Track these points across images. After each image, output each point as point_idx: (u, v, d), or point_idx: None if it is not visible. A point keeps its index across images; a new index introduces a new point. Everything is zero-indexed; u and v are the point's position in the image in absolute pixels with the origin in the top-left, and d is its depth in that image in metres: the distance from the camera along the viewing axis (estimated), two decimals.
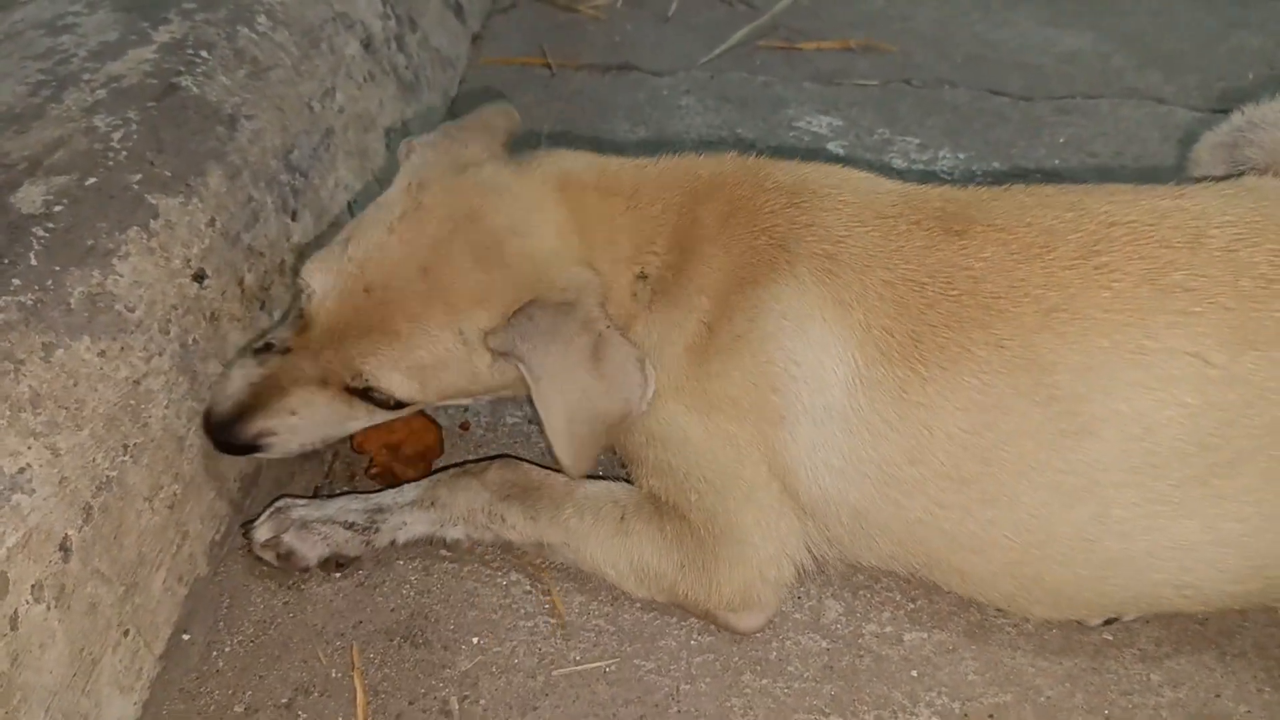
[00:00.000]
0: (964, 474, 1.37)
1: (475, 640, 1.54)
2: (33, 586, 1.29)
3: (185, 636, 1.54)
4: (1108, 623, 1.53)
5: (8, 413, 1.32)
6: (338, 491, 1.74)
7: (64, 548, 1.34)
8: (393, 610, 1.58)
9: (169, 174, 1.68)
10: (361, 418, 1.52)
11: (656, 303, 1.50)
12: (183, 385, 1.59)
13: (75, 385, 1.41)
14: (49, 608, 1.31)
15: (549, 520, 1.55)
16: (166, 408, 1.55)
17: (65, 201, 1.55)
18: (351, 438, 1.72)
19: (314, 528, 1.60)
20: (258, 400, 1.45)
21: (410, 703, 1.46)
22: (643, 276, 1.50)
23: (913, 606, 1.58)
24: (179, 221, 1.65)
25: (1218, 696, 1.46)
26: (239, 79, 1.95)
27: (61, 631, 1.32)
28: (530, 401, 1.42)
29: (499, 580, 1.62)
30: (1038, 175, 2.51)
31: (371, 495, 1.64)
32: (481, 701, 1.46)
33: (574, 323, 1.39)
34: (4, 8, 2.06)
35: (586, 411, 1.41)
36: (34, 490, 1.31)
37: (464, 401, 1.63)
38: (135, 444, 1.48)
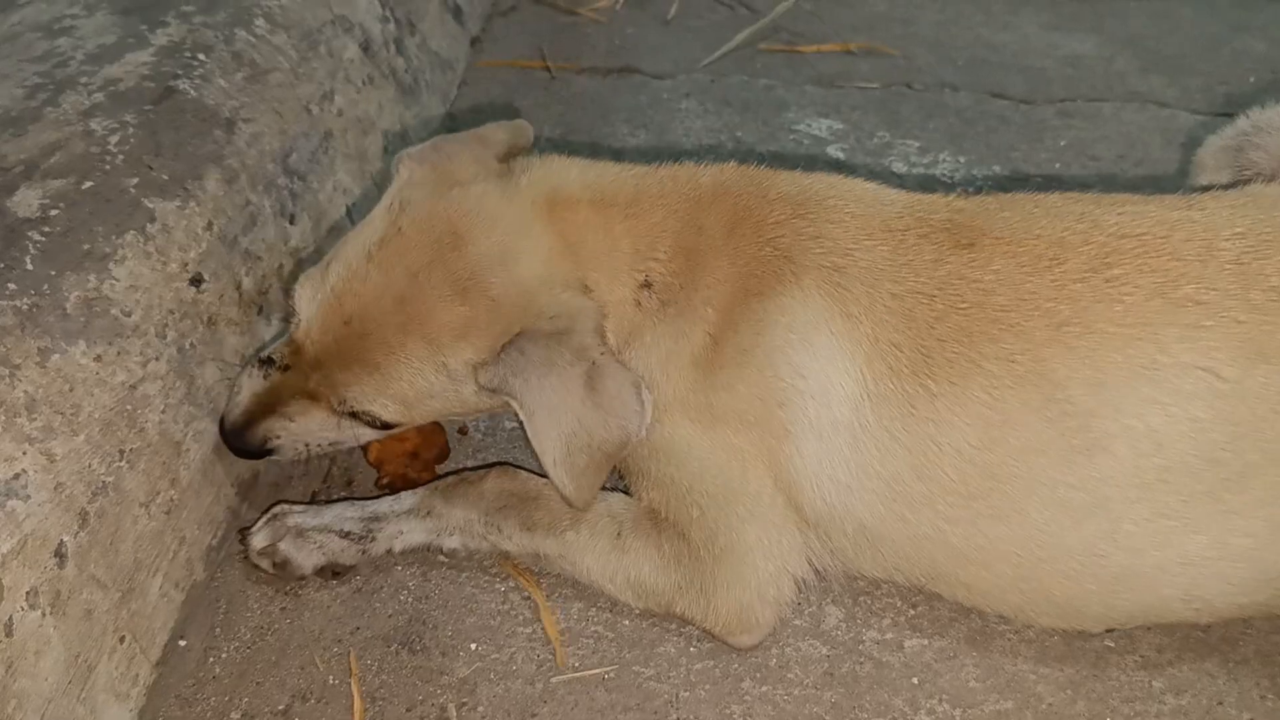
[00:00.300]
0: (972, 489, 1.35)
1: (473, 646, 1.53)
2: (28, 593, 1.28)
3: (182, 642, 1.53)
4: (1109, 630, 1.52)
5: (3, 418, 1.32)
6: (335, 497, 1.73)
7: (59, 554, 1.34)
8: (390, 616, 1.57)
9: (166, 177, 1.67)
10: (361, 431, 1.52)
11: (663, 312, 1.48)
12: (180, 390, 1.58)
13: (71, 390, 1.41)
14: (44, 614, 1.30)
15: (545, 533, 1.54)
16: (163, 412, 1.54)
17: (62, 205, 1.54)
18: (365, 451, 1.72)
19: (310, 536, 1.59)
20: (262, 409, 1.49)
21: (408, 709, 1.45)
22: (647, 285, 1.48)
23: (914, 613, 1.57)
24: (176, 225, 1.64)
25: (1220, 704, 1.45)
26: (237, 82, 1.94)
27: (57, 638, 1.31)
28: (523, 427, 1.40)
29: (498, 586, 1.61)
30: (1039, 179, 2.50)
31: (368, 502, 1.63)
32: (480, 708, 1.45)
33: (567, 353, 1.37)
34: (1, 10, 2.05)
35: (583, 442, 1.38)
36: (29, 496, 1.31)
37: (456, 420, 1.62)
38: (132, 449, 1.48)
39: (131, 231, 1.57)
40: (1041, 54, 3.07)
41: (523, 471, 1.61)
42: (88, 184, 1.59)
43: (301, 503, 1.67)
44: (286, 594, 1.60)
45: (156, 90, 1.80)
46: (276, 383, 1.48)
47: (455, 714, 1.45)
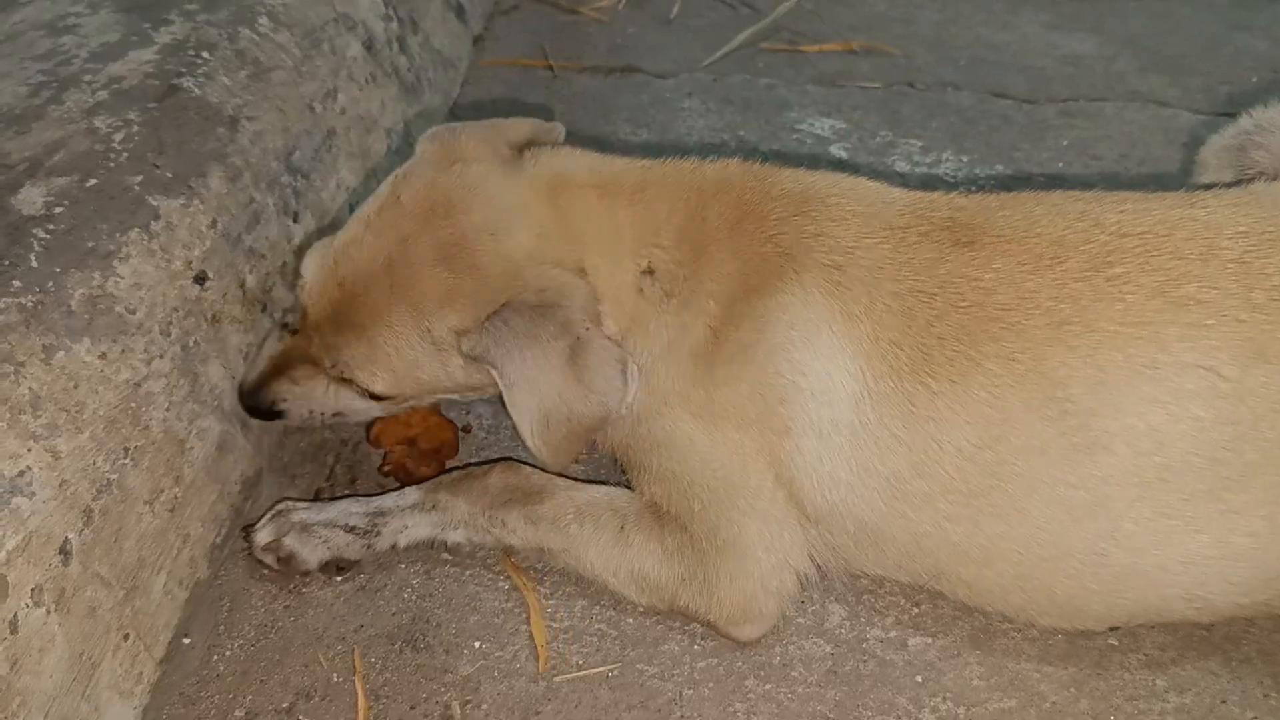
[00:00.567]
0: (973, 488, 1.35)
1: (477, 645, 1.53)
2: (32, 590, 1.28)
3: (185, 640, 1.53)
4: (1112, 629, 1.52)
5: (7, 415, 1.32)
6: (339, 495, 1.73)
7: (64, 551, 1.34)
8: (394, 614, 1.57)
9: (170, 175, 1.67)
10: (357, 401, 1.55)
11: (666, 303, 1.48)
12: (183, 388, 1.58)
13: (75, 388, 1.41)
14: (49, 611, 1.30)
15: (549, 526, 1.54)
16: (167, 410, 1.54)
17: (66, 203, 1.54)
18: (368, 430, 1.73)
19: (315, 531, 1.59)
20: (274, 371, 1.55)
21: (412, 707, 1.45)
22: (650, 271, 1.49)
23: (917, 611, 1.57)
24: (180, 223, 1.64)
25: (1223, 702, 1.45)
26: (240, 80, 1.94)
27: (61, 635, 1.31)
28: (502, 404, 1.42)
29: (501, 584, 1.61)
30: (1041, 178, 2.50)
31: (373, 498, 1.63)
32: (483, 706, 1.45)
33: (551, 325, 1.38)
34: (5, 8, 2.05)
35: (562, 415, 1.39)
36: (34, 493, 1.31)
37: (454, 398, 1.62)
38: (136, 447, 1.48)
39: (135, 229, 1.57)
40: (1042, 53, 3.07)
41: (526, 466, 1.61)
42: (92, 182, 1.59)
43: (305, 500, 1.67)
44: (290, 592, 1.60)
45: (160, 88, 1.80)
46: (288, 345, 1.55)
47: (459, 712, 1.45)
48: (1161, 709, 1.44)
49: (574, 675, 1.49)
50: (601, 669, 1.50)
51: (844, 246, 1.44)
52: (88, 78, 1.80)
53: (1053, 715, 1.44)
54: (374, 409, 1.60)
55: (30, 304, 1.41)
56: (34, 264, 1.45)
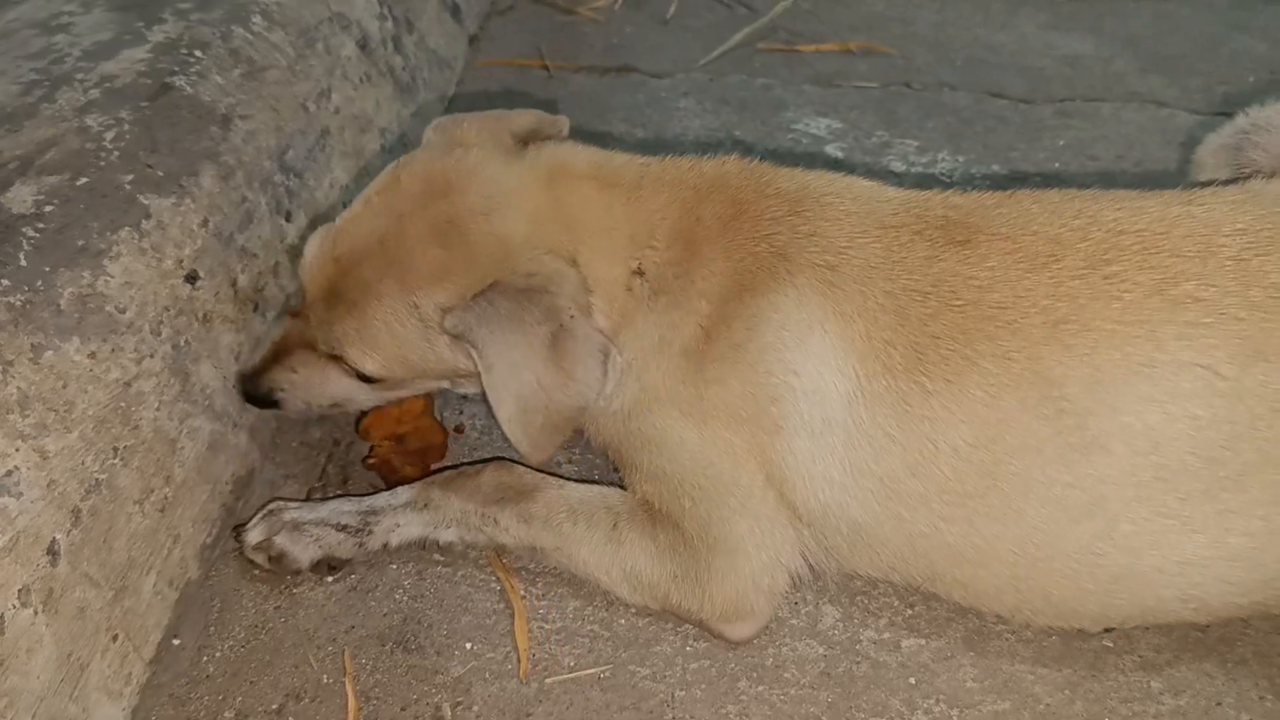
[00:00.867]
0: (968, 488, 1.35)
1: (468, 646, 1.52)
2: (20, 590, 1.28)
3: (175, 641, 1.52)
4: (1107, 630, 1.52)
5: None
6: (331, 495, 1.72)
7: (52, 551, 1.33)
8: (385, 615, 1.56)
9: (162, 174, 1.67)
10: (350, 386, 1.55)
11: (655, 301, 1.48)
12: (174, 387, 1.57)
13: (65, 387, 1.40)
14: (37, 612, 1.29)
15: (542, 524, 1.54)
16: (157, 410, 1.54)
17: (56, 201, 1.54)
18: (358, 422, 1.72)
19: (306, 529, 1.58)
20: (273, 357, 1.56)
21: (402, 708, 1.45)
22: (640, 272, 1.48)
23: (911, 613, 1.56)
24: (171, 222, 1.64)
25: (1219, 704, 1.44)
26: (234, 79, 1.94)
27: (49, 636, 1.31)
28: (483, 393, 1.42)
29: (493, 585, 1.60)
30: (1038, 179, 2.49)
31: (364, 498, 1.62)
32: (475, 708, 1.44)
33: (536, 310, 1.38)
34: None
35: (540, 402, 1.39)
36: (22, 493, 1.30)
37: (445, 386, 1.61)
38: (125, 446, 1.47)
39: (126, 228, 1.56)
40: (1040, 54, 3.07)
41: (519, 466, 1.61)
42: (83, 180, 1.58)
43: (297, 500, 1.67)
44: (281, 593, 1.59)
45: (153, 87, 1.80)
46: (287, 329, 1.56)
47: (450, 713, 1.44)
48: (1156, 711, 1.43)
49: (566, 676, 1.48)
50: (593, 670, 1.49)
51: (837, 246, 1.43)
52: (80, 76, 1.80)
53: (1047, 717, 1.43)
54: (368, 397, 1.60)
55: (19, 303, 1.40)
56: (23, 263, 1.44)
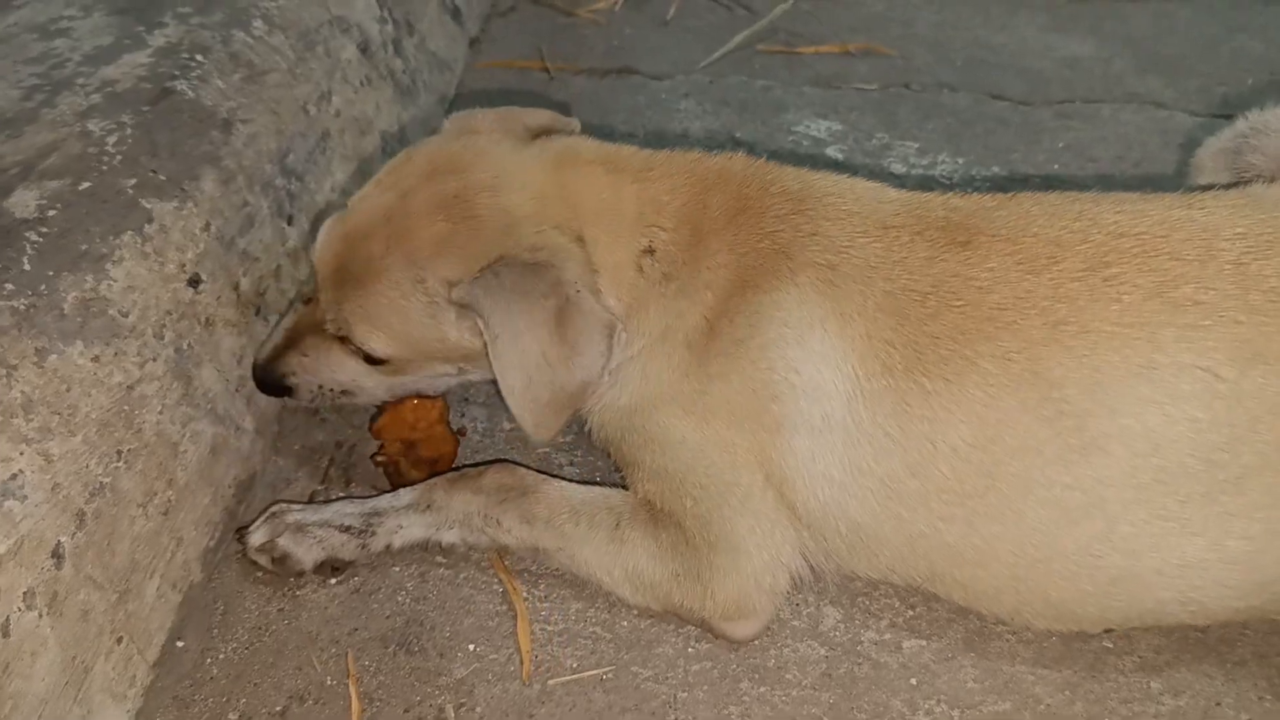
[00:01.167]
0: (968, 488, 1.35)
1: (471, 647, 1.53)
2: (24, 594, 1.28)
3: (179, 643, 1.53)
4: (1107, 631, 1.52)
5: (0, 418, 1.31)
6: (334, 497, 1.73)
7: (56, 554, 1.33)
8: (388, 617, 1.57)
9: (163, 178, 1.67)
10: (354, 367, 1.57)
11: (666, 286, 1.49)
12: (177, 391, 1.58)
13: (68, 391, 1.40)
14: (41, 615, 1.30)
15: (544, 525, 1.54)
16: (160, 413, 1.54)
17: (59, 206, 1.54)
18: (372, 421, 1.73)
19: (309, 531, 1.59)
20: (286, 344, 1.59)
21: (405, 710, 1.45)
22: (650, 251, 1.49)
23: (911, 614, 1.57)
24: (173, 226, 1.64)
25: (1218, 705, 1.45)
26: (234, 83, 1.94)
27: (54, 639, 1.31)
28: (490, 379, 1.43)
29: (495, 587, 1.61)
30: (1038, 180, 2.50)
31: (367, 499, 1.63)
32: (477, 709, 1.45)
33: (542, 284, 1.39)
34: None
35: (546, 376, 1.40)
36: (26, 496, 1.31)
37: (449, 371, 1.61)
38: (129, 450, 1.47)
39: (129, 232, 1.57)
40: (1039, 55, 3.07)
41: (521, 468, 1.61)
42: (85, 185, 1.59)
43: (299, 502, 1.67)
44: (284, 595, 1.60)
45: (154, 91, 1.80)
46: (300, 315, 1.59)
47: (453, 715, 1.44)
48: (1156, 711, 1.44)
49: (568, 678, 1.49)
50: (596, 672, 1.49)
51: (838, 245, 1.44)
52: (81, 81, 1.80)
53: (1047, 718, 1.43)
54: (374, 382, 1.61)
55: (23, 307, 1.41)
56: (27, 267, 1.45)
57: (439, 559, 1.64)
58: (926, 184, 2.48)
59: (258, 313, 1.79)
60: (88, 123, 1.70)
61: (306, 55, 2.16)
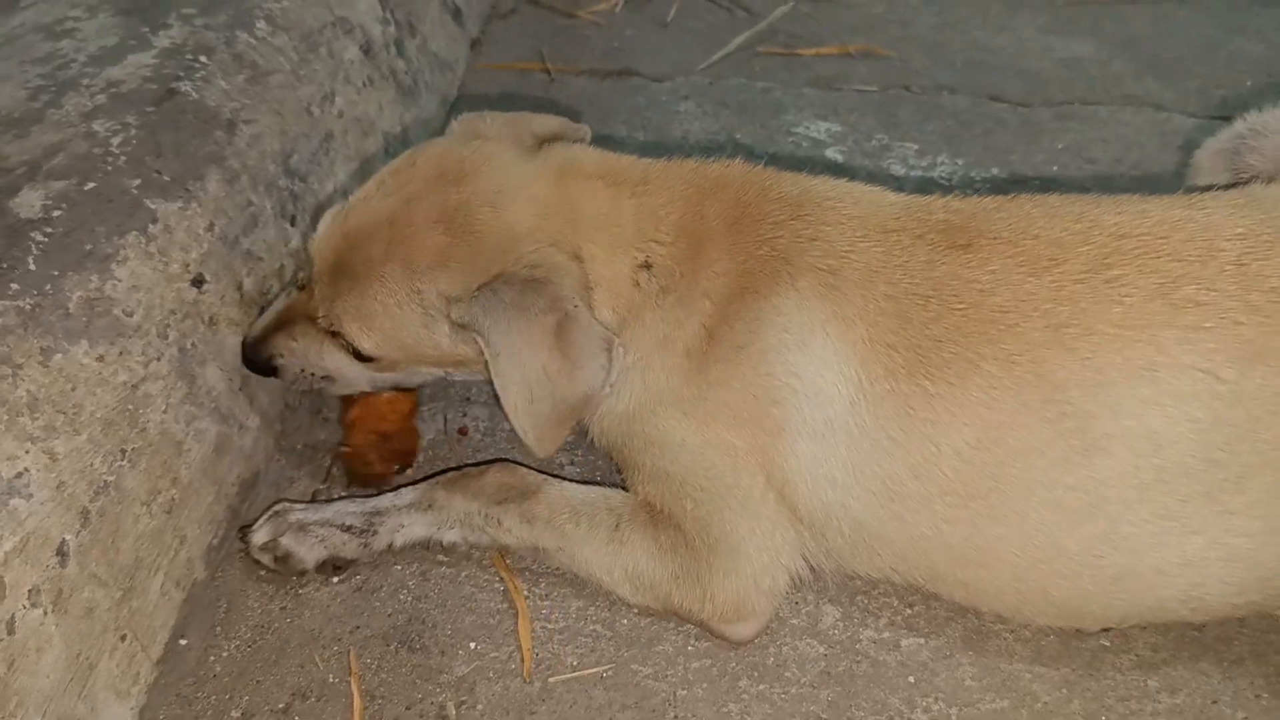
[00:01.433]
0: (971, 490, 1.36)
1: (472, 645, 1.54)
2: (30, 591, 1.29)
3: (182, 641, 1.54)
4: (1106, 629, 1.53)
5: (5, 417, 1.32)
6: (336, 496, 1.74)
7: (61, 552, 1.34)
8: (390, 615, 1.58)
9: (168, 179, 1.68)
10: (342, 361, 1.58)
11: (663, 298, 1.49)
12: (181, 390, 1.59)
13: (73, 390, 1.41)
14: (46, 612, 1.31)
15: (544, 525, 1.55)
16: (164, 412, 1.55)
17: (64, 206, 1.55)
18: (344, 411, 1.74)
19: (312, 530, 1.60)
20: (276, 326, 1.60)
21: (407, 708, 1.46)
22: (647, 266, 1.50)
23: (910, 612, 1.58)
24: (178, 226, 1.65)
25: (1215, 703, 1.46)
26: (238, 83, 1.95)
27: (58, 636, 1.32)
28: (490, 382, 1.43)
29: (496, 585, 1.61)
30: (1037, 182, 2.50)
31: (369, 499, 1.64)
32: (478, 707, 1.46)
33: (541, 300, 1.40)
34: (3, 12, 2.06)
35: (547, 390, 1.41)
36: (31, 495, 1.31)
37: (439, 373, 1.63)
38: (133, 448, 1.48)
39: (133, 232, 1.58)
40: (1038, 57, 3.07)
41: (522, 467, 1.62)
42: (90, 185, 1.60)
43: (302, 501, 1.68)
44: (286, 593, 1.61)
45: (158, 92, 1.81)
46: (292, 301, 1.61)
47: (454, 712, 1.45)
48: (1154, 709, 1.45)
49: (569, 676, 1.49)
50: (596, 669, 1.50)
51: (839, 250, 1.45)
52: (86, 81, 1.81)
53: (1045, 716, 1.44)
54: (360, 376, 1.62)
55: (28, 306, 1.42)
56: (32, 267, 1.46)
57: (440, 557, 1.65)
58: (926, 185, 2.49)
59: (261, 312, 1.79)
60: (93, 123, 1.71)
61: (310, 56, 2.17)
